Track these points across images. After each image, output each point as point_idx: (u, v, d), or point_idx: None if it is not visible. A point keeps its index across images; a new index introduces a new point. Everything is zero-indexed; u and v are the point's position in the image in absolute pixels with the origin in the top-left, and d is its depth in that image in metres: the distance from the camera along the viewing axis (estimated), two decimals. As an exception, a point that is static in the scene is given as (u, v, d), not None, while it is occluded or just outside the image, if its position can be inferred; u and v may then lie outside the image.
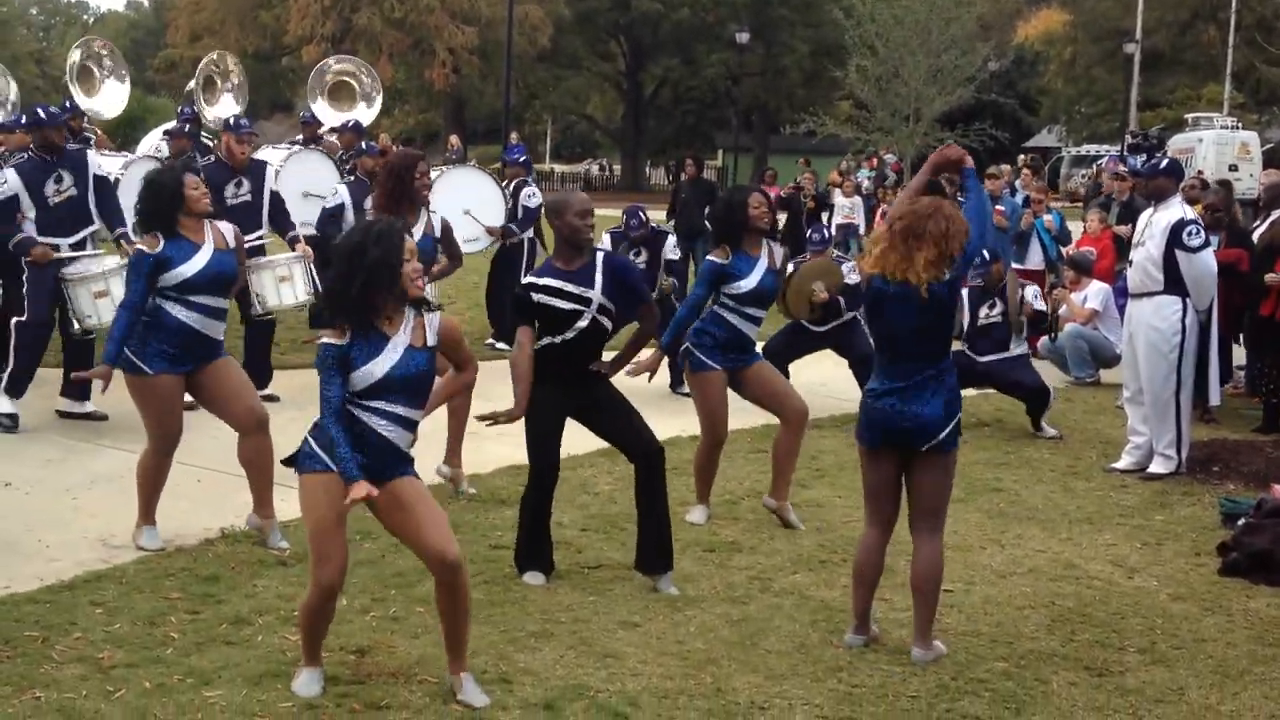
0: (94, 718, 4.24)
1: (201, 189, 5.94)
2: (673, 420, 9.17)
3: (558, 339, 5.66)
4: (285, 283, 8.92)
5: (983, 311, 9.42)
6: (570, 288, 5.63)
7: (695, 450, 6.91)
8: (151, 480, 6.02)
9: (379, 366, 4.30)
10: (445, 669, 4.56)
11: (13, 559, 5.78)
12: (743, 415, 6.99)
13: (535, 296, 5.65)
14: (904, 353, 4.99)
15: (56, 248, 8.17)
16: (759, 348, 7.01)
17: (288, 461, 4.48)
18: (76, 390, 8.41)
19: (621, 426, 5.77)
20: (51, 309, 8.26)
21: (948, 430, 4.95)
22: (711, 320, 6.69)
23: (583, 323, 5.64)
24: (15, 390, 8.14)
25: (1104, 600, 5.82)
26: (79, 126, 11.16)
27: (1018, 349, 9.49)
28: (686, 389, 10.16)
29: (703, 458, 6.81)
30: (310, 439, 4.38)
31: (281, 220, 9.39)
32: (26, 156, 8.34)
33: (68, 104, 11.50)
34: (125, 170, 9.86)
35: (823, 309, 9.28)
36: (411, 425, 4.44)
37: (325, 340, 4.30)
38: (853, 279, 9.43)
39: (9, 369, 8.16)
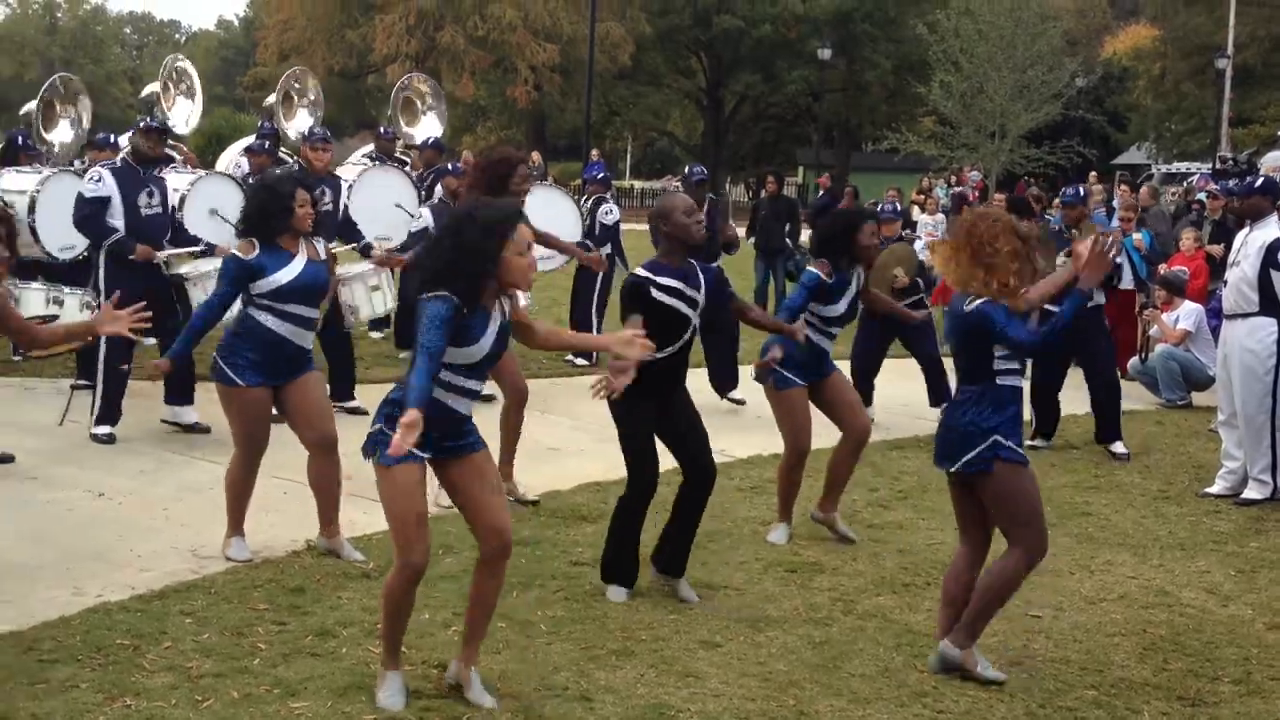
0: (183, 727, 4.30)
1: (308, 206, 6.03)
2: (750, 437, 9.14)
3: (661, 354, 5.31)
4: (376, 291, 9.11)
5: None
6: (686, 289, 5.62)
7: (778, 468, 6.87)
8: (238, 491, 6.11)
9: (484, 344, 4.43)
10: (534, 684, 4.56)
11: (105, 568, 5.89)
12: (828, 435, 6.92)
13: (655, 294, 5.56)
14: (957, 368, 5.07)
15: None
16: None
17: (367, 451, 4.50)
18: (178, 397, 8.48)
19: (689, 441, 5.76)
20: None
21: (974, 453, 4.89)
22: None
23: (687, 333, 5.66)
24: (110, 419, 8.17)
25: (1197, 629, 5.69)
26: (164, 154, 11.37)
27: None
28: (736, 395, 10.19)
29: (785, 473, 6.78)
30: (385, 429, 4.40)
31: (350, 232, 9.52)
32: (120, 163, 8.39)
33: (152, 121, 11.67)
34: (191, 187, 9.59)
35: (901, 293, 9.39)
36: (476, 396, 4.59)
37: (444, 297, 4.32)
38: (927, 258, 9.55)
39: (98, 405, 8.13)
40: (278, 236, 5.97)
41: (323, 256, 6.19)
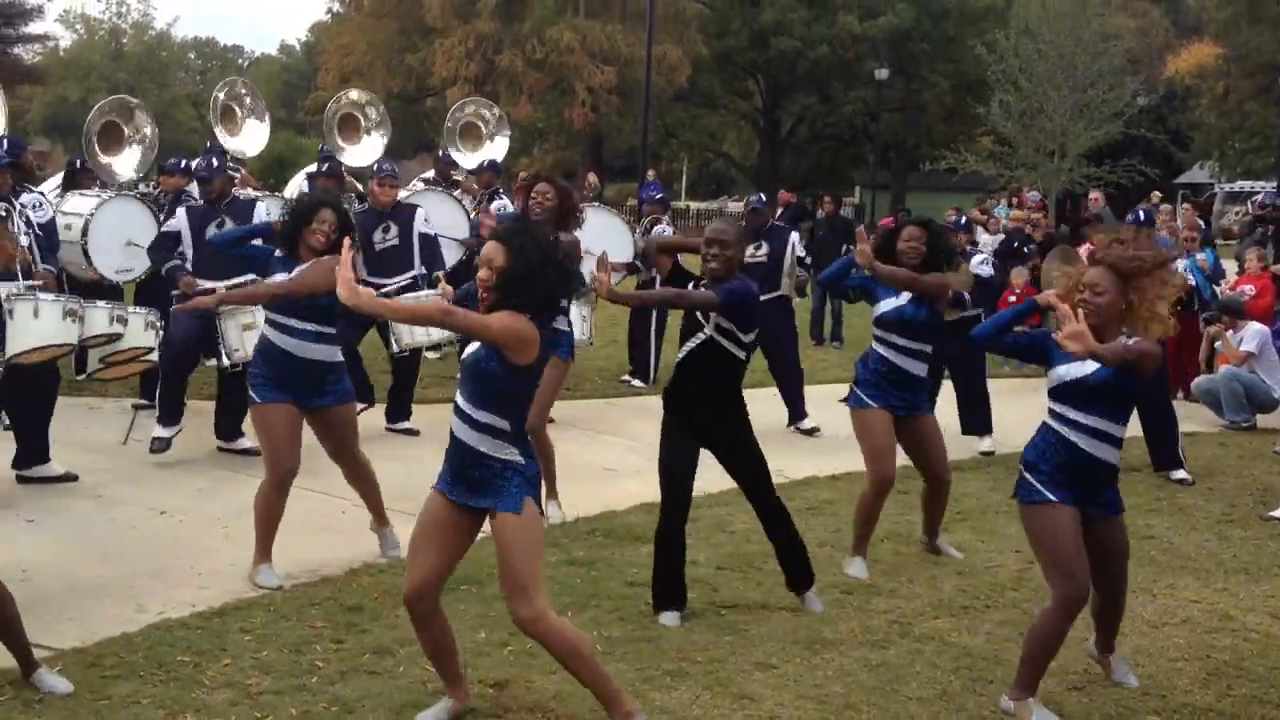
0: (242, 743, 4.34)
1: (326, 228, 6.09)
2: (807, 459, 9.11)
3: (676, 357, 5.86)
4: None
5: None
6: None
7: (860, 496, 6.69)
8: (267, 514, 6.06)
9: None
10: (589, 705, 4.56)
11: (166, 585, 5.97)
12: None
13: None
14: None
15: (211, 290, 8.44)
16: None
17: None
18: (228, 430, 8.66)
19: (754, 487, 5.89)
20: (194, 337, 8.40)
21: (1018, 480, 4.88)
22: (867, 353, 6.65)
23: (692, 343, 5.72)
24: (168, 419, 8.39)
25: (1262, 654, 5.59)
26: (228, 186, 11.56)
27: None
28: (807, 425, 10.13)
29: (866, 502, 6.61)
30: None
31: (433, 260, 9.63)
32: (196, 204, 8.87)
33: (208, 145, 11.86)
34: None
35: (950, 304, 9.19)
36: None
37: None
38: (982, 270, 9.43)
39: (158, 393, 8.47)
40: (297, 247, 6.13)
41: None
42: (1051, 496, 4.74)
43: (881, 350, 6.53)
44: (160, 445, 8.32)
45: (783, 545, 5.96)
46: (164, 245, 8.74)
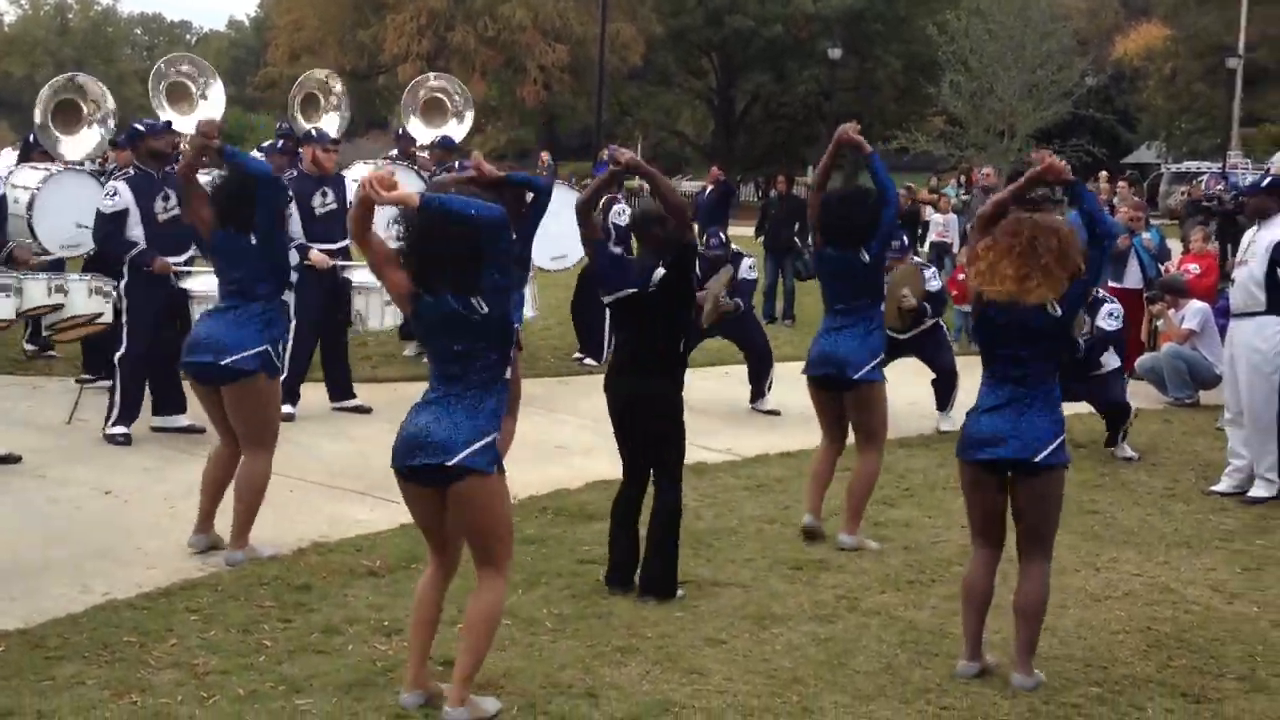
0: (188, 722, 4.32)
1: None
2: (757, 436, 9.16)
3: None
4: (390, 306, 8.97)
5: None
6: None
7: (859, 471, 6.69)
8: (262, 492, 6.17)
9: None
10: (539, 681, 4.57)
11: (112, 565, 5.92)
12: (809, 436, 6.92)
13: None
14: (1011, 372, 4.91)
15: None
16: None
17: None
18: (170, 406, 8.50)
19: (656, 473, 5.89)
20: (150, 338, 8.19)
21: (1052, 448, 4.83)
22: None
23: (638, 322, 5.82)
24: (128, 420, 8.20)
25: (1202, 625, 5.68)
26: (178, 143, 11.33)
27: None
28: (766, 406, 10.19)
29: (870, 478, 6.73)
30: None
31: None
32: (134, 171, 8.30)
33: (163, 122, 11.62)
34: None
35: (910, 315, 9.33)
36: None
37: None
38: (934, 285, 9.60)
39: (118, 405, 8.15)
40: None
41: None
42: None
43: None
44: (125, 440, 8.14)
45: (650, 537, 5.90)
46: (115, 229, 8.17)
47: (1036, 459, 4.80)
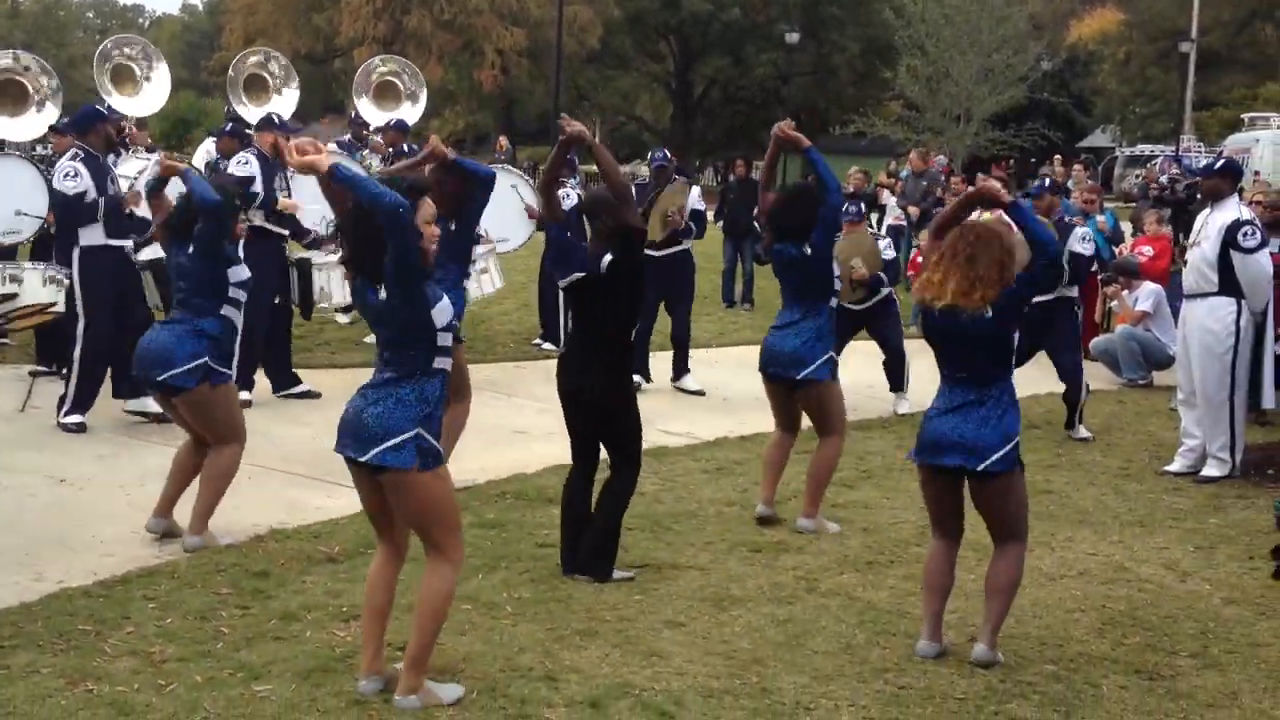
0: (145, 711, 4.28)
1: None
2: (716, 420, 9.18)
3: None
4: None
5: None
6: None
7: (818, 455, 6.74)
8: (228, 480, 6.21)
9: None
10: (499, 665, 4.57)
11: (67, 553, 5.86)
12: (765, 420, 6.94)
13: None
14: (958, 375, 4.97)
15: (122, 248, 8.23)
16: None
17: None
18: (127, 389, 8.41)
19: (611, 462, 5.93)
20: (112, 321, 8.07)
21: (999, 455, 4.86)
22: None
23: (587, 308, 5.81)
24: (82, 408, 8.07)
25: (1155, 604, 5.76)
26: (123, 129, 11.17)
27: None
28: (688, 385, 10.18)
29: (830, 465, 6.78)
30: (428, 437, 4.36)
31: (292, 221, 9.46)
32: (87, 154, 8.09)
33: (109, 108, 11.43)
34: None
35: (863, 286, 9.33)
36: None
37: None
38: (889, 255, 9.62)
39: (72, 394, 8.01)
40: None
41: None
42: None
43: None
44: (79, 429, 8.03)
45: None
46: (84, 213, 8.00)
47: (980, 468, 4.86)
